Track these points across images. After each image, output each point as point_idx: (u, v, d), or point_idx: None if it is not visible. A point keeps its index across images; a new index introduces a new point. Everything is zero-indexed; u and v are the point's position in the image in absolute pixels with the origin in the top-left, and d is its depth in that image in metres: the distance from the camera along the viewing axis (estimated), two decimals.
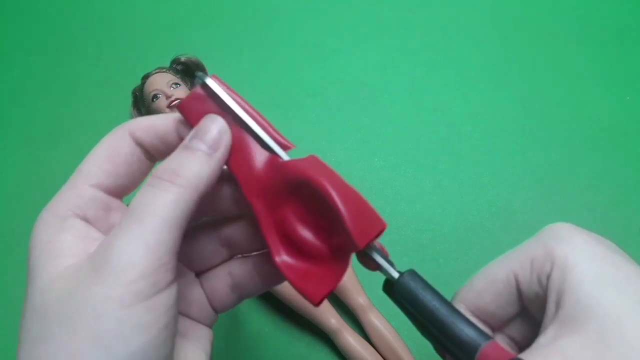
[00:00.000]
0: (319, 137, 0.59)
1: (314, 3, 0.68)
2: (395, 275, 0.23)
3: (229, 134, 0.23)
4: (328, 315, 0.46)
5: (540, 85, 0.62)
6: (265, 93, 0.61)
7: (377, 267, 0.23)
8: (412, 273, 0.23)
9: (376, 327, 0.46)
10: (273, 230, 0.23)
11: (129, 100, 0.59)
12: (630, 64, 0.63)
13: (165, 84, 0.55)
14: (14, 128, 0.61)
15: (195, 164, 0.21)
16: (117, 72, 0.63)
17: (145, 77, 0.57)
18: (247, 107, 0.23)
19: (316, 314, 0.46)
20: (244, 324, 0.49)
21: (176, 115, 0.24)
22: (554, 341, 0.19)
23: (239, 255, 0.26)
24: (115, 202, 0.23)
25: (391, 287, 0.23)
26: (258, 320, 0.49)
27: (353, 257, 0.23)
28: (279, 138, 0.23)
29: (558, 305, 0.20)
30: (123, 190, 0.23)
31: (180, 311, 0.25)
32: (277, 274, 0.23)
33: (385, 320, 0.46)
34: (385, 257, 0.23)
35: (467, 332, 0.21)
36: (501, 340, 0.23)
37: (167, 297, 0.20)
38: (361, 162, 0.57)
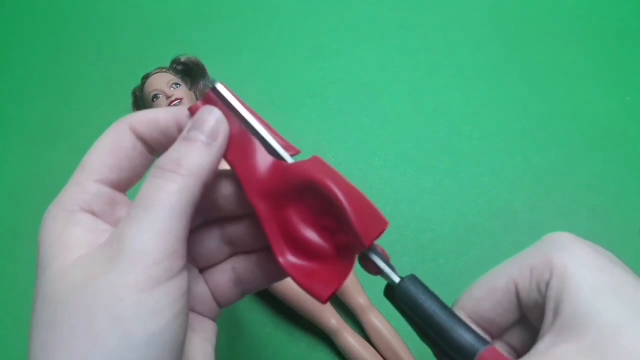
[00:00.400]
0: (319, 137, 0.59)
1: (314, 3, 0.68)
2: (396, 279, 0.23)
3: (226, 124, 0.23)
4: (328, 315, 0.46)
5: (540, 85, 0.62)
6: (265, 93, 0.61)
7: (378, 271, 0.23)
8: (413, 278, 0.23)
9: (376, 327, 0.46)
10: (276, 230, 0.23)
11: (129, 100, 0.59)
12: (630, 64, 0.63)
13: (165, 84, 0.55)
14: (14, 128, 0.61)
15: (195, 154, 0.22)
16: (117, 72, 0.64)
17: (145, 77, 0.57)
18: (253, 113, 0.24)
19: (316, 314, 0.46)
20: (245, 323, 0.49)
21: (176, 108, 0.24)
22: (551, 348, 0.19)
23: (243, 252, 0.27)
24: (119, 195, 0.23)
25: (392, 292, 0.23)
26: (258, 320, 0.49)
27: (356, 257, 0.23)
28: (284, 143, 0.24)
29: (556, 313, 0.20)
30: (126, 183, 0.24)
31: None
32: (279, 271, 0.24)
33: (385, 320, 0.46)
34: (387, 262, 0.23)
35: (466, 337, 0.21)
36: (500, 348, 0.23)
37: (180, 282, 0.20)
38: (361, 162, 0.57)
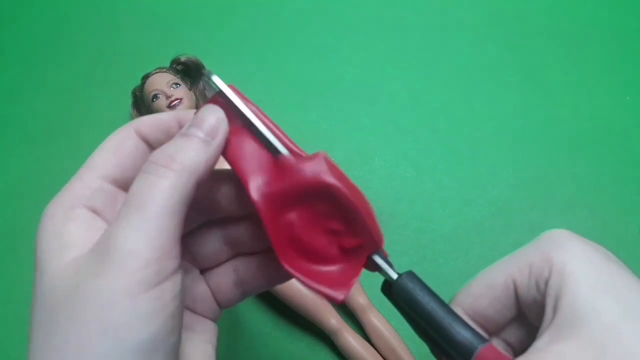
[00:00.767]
0: (319, 137, 0.59)
1: (314, 3, 0.68)
2: (394, 276, 0.23)
3: (226, 124, 0.23)
4: (328, 315, 0.46)
5: (540, 85, 0.62)
6: (265, 93, 0.61)
7: (376, 267, 0.23)
8: (411, 274, 0.23)
9: (376, 327, 0.46)
10: (280, 234, 0.23)
11: (129, 100, 0.59)
12: (630, 64, 0.63)
13: (165, 84, 0.55)
14: (14, 128, 0.61)
15: (191, 150, 0.21)
16: (117, 72, 0.63)
17: (145, 77, 0.57)
18: (260, 115, 0.23)
19: (316, 314, 0.46)
20: (245, 323, 0.49)
21: (179, 112, 0.24)
22: (549, 345, 0.19)
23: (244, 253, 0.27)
24: (122, 194, 0.23)
25: (389, 288, 0.23)
26: (258, 320, 0.49)
27: None
28: (291, 145, 0.23)
29: (555, 311, 0.20)
30: (130, 182, 0.23)
31: (186, 306, 0.25)
32: (280, 274, 0.24)
33: (385, 320, 0.46)
34: (385, 258, 0.23)
35: (464, 335, 0.21)
36: (497, 345, 0.24)
37: (172, 285, 0.20)
38: (361, 162, 0.57)
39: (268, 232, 0.23)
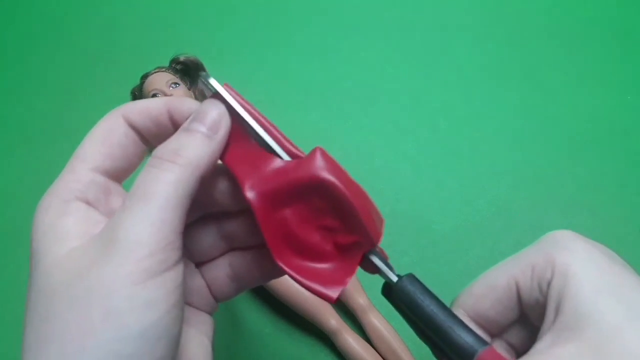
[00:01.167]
0: (319, 137, 0.59)
1: (314, 3, 0.68)
2: (394, 278, 0.23)
3: (228, 118, 0.23)
4: (328, 315, 0.46)
5: (540, 85, 0.62)
6: (265, 93, 0.61)
7: (376, 270, 0.23)
8: (411, 277, 0.23)
9: (376, 327, 0.46)
10: (275, 231, 0.23)
11: (129, 99, 0.59)
12: (630, 64, 0.63)
13: (164, 84, 0.55)
14: (14, 128, 0.61)
15: (195, 145, 0.22)
16: (117, 72, 0.63)
17: (145, 77, 0.57)
18: (256, 114, 0.23)
19: (316, 314, 0.46)
20: (244, 324, 0.49)
21: (167, 98, 0.24)
22: (551, 347, 0.19)
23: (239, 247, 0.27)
24: (114, 185, 0.23)
25: (390, 291, 0.23)
26: (258, 321, 0.49)
27: None
28: (287, 144, 0.23)
29: (557, 312, 0.20)
30: (121, 173, 0.24)
31: None
32: (275, 269, 0.24)
33: (385, 321, 0.46)
34: (385, 261, 0.23)
35: (465, 338, 0.21)
36: (499, 346, 0.23)
37: (175, 275, 0.20)
38: (361, 162, 0.57)
39: (262, 230, 0.23)
